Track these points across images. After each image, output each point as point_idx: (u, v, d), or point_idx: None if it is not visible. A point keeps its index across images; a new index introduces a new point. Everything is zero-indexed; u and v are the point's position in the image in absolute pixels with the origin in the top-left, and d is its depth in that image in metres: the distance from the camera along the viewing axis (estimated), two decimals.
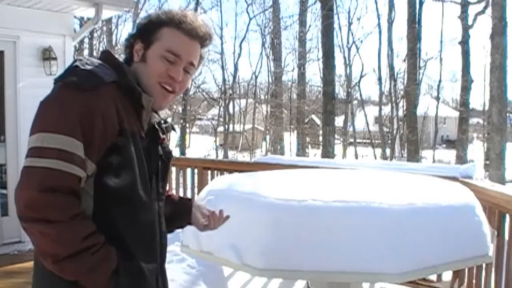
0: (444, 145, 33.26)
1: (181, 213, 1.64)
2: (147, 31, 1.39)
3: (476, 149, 24.07)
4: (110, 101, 1.26)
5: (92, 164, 1.23)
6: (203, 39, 1.42)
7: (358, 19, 25.66)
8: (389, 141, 21.59)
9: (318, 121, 24.07)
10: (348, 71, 21.42)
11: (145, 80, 1.37)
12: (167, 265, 1.52)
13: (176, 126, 1.81)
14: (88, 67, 1.28)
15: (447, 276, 3.57)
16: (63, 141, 1.18)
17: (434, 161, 21.61)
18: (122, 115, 1.28)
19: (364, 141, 24.95)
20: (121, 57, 1.44)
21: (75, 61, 1.31)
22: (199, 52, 1.43)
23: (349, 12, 22.35)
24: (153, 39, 1.37)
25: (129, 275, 1.26)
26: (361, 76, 22.01)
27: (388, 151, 21.13)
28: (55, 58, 4.96)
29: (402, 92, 20.13)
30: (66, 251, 1.16)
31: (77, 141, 1.19)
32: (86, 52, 19.85)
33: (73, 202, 1.19)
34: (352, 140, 23.16)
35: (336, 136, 18.44)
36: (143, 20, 1.43)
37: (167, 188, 1.60)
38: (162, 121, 1.47)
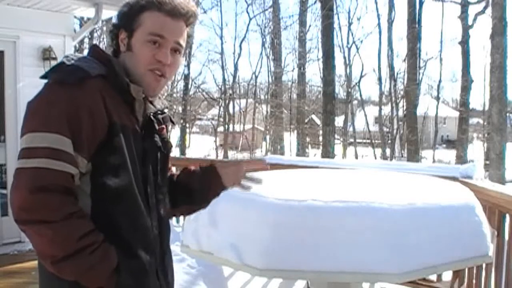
0: (444, 145, 33.26)
1: (209, 178, 1.54)
2: (129, 18, 1.34)
3: (476, 149, 24.06)
4: (96, 94, 1.23)
5: (84, 160, 1.21)
6: (186, 17, 1.37)
7: (358, 19, 25.64)
8: (389, 141, 21.58)
9: (318, 121, 24.06)
10: (348, 71, 21.42)
11: (134, 69, 1.33)
12: None
13: (176, 126, 1.74)
14: (74, 62, 1.26)
15: (447, 276, 3.57)
16: (51, 139, 1.16)
17: (434, 161, 21.60)
18: (110, 108, 1.25)
19: (364, 141, 24.95)
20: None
21: (62, 58, 1.29)
22: (184, 30, 1.38)
23: (349, 12, 22.37)
24: (135, 26, 1.33)
25: (131, 272, 1.25)
26: (361, 76, 22.03)
27: (388, 151, 21.12)
28: (55, 58, 4.95)
29: (402, 92, 20.12)
30: (63, 251, 1.15)
31: (65, 138, 1.17)
32: (86, 52, 19.81)
33: (66, 200, 1.17)
34: (352, 140, 23.16)
35: (336, 136, 18.44)
36: (123, 8, 1.38)
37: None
38: (159, 112, 1.43)
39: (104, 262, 1.19)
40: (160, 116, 1.43)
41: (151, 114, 1.39)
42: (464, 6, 17.22)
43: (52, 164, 1.15)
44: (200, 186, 1.55)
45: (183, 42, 1.38)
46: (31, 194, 1.13)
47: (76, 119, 1.19)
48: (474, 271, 3.18)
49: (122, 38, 1.35)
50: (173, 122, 1.54)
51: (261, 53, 22.47)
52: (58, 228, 1.14)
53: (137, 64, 1.33)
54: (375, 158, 20.98)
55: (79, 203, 1.21)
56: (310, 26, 21.29)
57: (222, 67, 22.21)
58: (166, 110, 1.47)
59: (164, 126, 1.45)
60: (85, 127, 1.20)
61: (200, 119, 28.92)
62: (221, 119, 23.49)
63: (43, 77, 1.27)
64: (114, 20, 1.43)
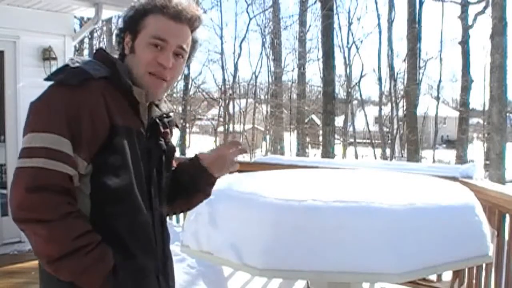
0: (444, 145, 33.26)
1: (197, 174, 1.51)
2: (133, 21, 1.35)
3: (476, 149, 24.05)
4: (98, 96, 1.23)
5: (84, 162, 1.21)
6: (191, 22, 1.37)
7: (358, 19, 25.59)
8: (389, 141, 21.59)
9: (318, 121, 24.07)
10: (348, 71, 21.43)
11: (135, 70, 1.33)
12: None
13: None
14: (77, 65, 1.27)
15: (447, 276, 3.57)
16: (50, 140, 1.17)
17: (434, 161, 21.60)
18: (112, 110, 1.25)
19: (364, 141, 24.96)
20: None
21: (67, 61, 1.30)
22: (188, 35, 1.38)
23: (349, 12, 22.37)
24: (139, 29, 1.34)
25: (128, 274, 1.25)
26: (361, 76, 22.03)
27: (388, 151, 21.13)
28: (55, 58, 4.95)
29: (402, 92, 20.13)
30: (58, 251, 1.15)
31: (64, 138, 1.18)
32: (86, 52, 19.85)
33: (63, 200, 1.17)
34: (352, 140, 23.16)
35: (336, 136, 18.44)
36: (128, 12, 1.38)
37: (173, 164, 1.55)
38: (165, 115, 1.43)
39: (99, 263, 1.19)
40: (166, 120, 1.44)
41: (157, 117, 1.40)
42: (464, 6, 17.22)
43: (49, 164, 1.16)
44: (190, 179, 1.51)
45: (186, 47, 1.38)
46: (28, 193, 1.14)
47: (76, 120, 1.19)
48: (474, 271, 3.18)
49: (127, 41, 1.36)
50: (177, 126, 1.54)
51: (261, 53, 22.47)
52: (53, 228, 1.15)
53: (138, 65, 1.33)
54: (375, 158, 20.98)
55: (79, 204, 1.22)
56: (310, 26, 21.35)
57: (222, 67, 22.22)
58: (171, 114, 1.47)
59: (168, 130, 1.45)
60: (85, 128, 1.20)
61: (200, 119, 28.93)
62: (221, 119, 23.49)
63: (47, 79, 1.27)
64: (120, 25, 1.43)
